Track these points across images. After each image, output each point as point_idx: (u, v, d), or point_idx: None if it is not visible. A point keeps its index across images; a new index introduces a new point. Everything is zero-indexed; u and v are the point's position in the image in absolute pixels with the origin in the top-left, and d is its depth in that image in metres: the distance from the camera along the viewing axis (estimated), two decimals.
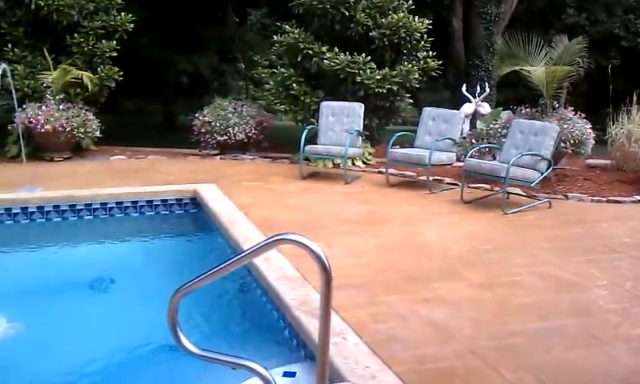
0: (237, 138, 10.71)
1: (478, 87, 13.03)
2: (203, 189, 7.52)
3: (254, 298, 4.73)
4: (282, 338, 3.95)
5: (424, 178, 8.54)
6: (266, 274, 4.47)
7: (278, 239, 2.32)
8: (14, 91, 9.21)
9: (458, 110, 10.13)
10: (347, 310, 3.89)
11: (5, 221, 6.92)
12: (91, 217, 7.21)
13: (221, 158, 10.72)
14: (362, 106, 9.28)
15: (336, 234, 5.91)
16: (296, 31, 10.34)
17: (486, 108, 12.33)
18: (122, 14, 11.29)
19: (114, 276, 5.76)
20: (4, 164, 9.66)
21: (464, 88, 12.96)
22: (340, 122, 9.18)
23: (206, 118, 10.88)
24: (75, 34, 10.89)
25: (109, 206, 7.26)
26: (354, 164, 9.82)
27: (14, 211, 6.98)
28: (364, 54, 10.19)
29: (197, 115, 11.11)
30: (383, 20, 10.36)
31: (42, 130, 9.82)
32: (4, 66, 8.63)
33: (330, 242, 5.47)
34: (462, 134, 9.18)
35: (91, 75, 10.72)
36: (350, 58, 10.11)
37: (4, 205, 6.93)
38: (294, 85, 10.46)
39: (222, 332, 4.33)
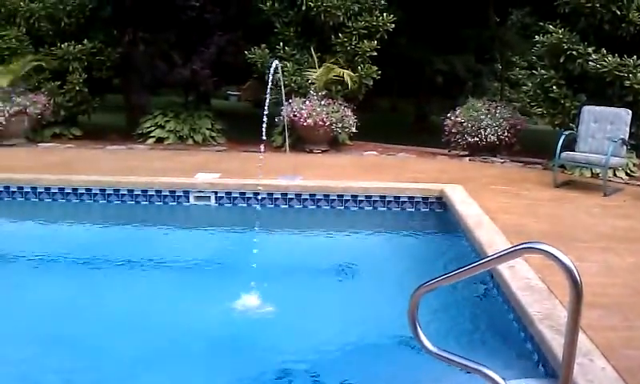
0: (488, 140, 10.50)
1: None
2: (450, 189, 7.50)
3: (495, 305, 4.61)
4: (522, 351, 3.80)
5: None
6: (510, 282, 4.33)
7: (526, 247, 2.24)
8: (282, 86, 10.04)
9: None
10: (596, 331, 3.62)
11: (267, 205, 7.58)
12: (342, 208, 7.59)
13: (470, 160, 10.60)
14: (630, 112, 8.52)
15: (589, 249, 5.52)
16: (560, 31, 9.82)
17: None
18: (384, 14, 11.66)
19: (358, 266, 6.01)
20: (269, 153, 10.55)
21: None
22: (602, 128, 8.52)
23: (458, 119, 10.83)
24: (340, 34, 11.48)
25: (359, 198, 7.59)
26: (615, 175, 9.07)
27: (274, 196, 7.62)
28: (635, 57, 9.34)
29: (449, 115, 11.11)
30: None
31: (305, 124, 10.55)
32: (276, 62, 9.41)
33: (582, 257, 5.12)
34: None
35: (352, 73, 11.24)
36: (618, 59, 9.34)
37: (268, 190, 7.59)
38: (554, 87, 9.95)
39: (458, 334, 4.29)
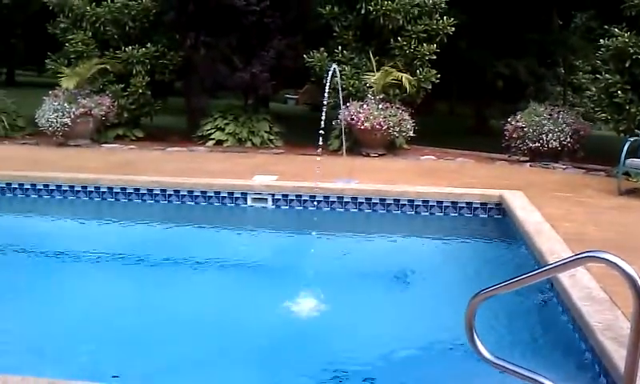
0: (549, 146, 10.28)
1: None
2: (509, 195, 7.37)
3: (554, 314, 4.50)
4: (582, 362, 3.70)
5: None
6: (571, 291, 4.22)
7: (588, 256, 2.18)
8: (340, 90, 10.06)
9: None
10: None
11: (323, 208, 7.60)
12: (399, 212, 7.55)
13: (530, 165, 10.39)
14: None
15: None
16: (626, 35, 9.53)
17: None
18: (445, 17, 11.55)
19: (414, 271, 5.96)
20: (326, 156, 10.58)
21: None
22: None
23: (519, 123, 10.64)
24: (399, 38, 11.44)
25: (415, 203, 7.53)
26: None
27: (331, 200, 7.64)
28: None
29: (509, 120, 10.92)
30: None
31: (362, 127, 10.54)
32: (334, 66, 9.44)
33: None
34: None
35: (410, 77, 11.17)
36: None
37: (324, 193, 7.62)
38: (619, 92, 9.66)
39: (515, 343, 4.21)
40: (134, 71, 11.77)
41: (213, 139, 11.59)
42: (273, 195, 7.77)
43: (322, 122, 6.95)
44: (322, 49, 11.63)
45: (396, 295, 5.51)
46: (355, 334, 4.45)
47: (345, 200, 7.63)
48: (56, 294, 5.27)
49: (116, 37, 11.84)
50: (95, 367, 3.77)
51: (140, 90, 11.78)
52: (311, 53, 11.55)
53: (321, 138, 6.98)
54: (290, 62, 11.91)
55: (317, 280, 5.07)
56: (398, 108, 11.06)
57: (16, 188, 8.08)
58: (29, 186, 8.06)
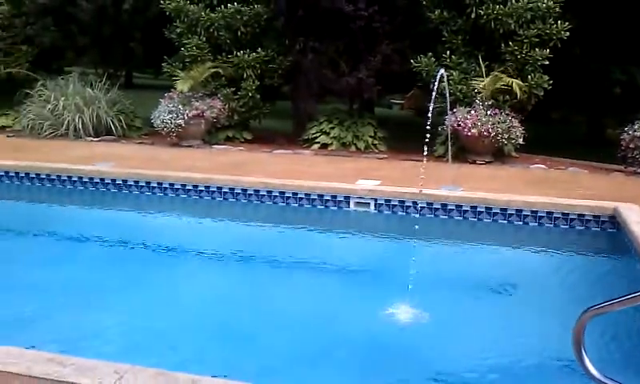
0: None
1: None
2: (625, 208, 6.99)
3: None
4: None
5: None
6: None
7: None
8: (447, 95, 9.93)
9: None
10: None
11: (426, 214, 7.52)
12: (505, 222, 7.35)
13: None
14: None
15: None
16: None
17: None
18: (559, 22, 11.15)
19: (520, 283, 5.79)
20: (431, 162, 10.46)
21: None
22: None
23: (637, 133, 10.08)
24: (510, 42, 11.14)
25: (523, 213, 7.30)
26: None
27: (434, 206, 7.54)
28: None
29: (626, 129, 10.37)
30: None
31: (469, 134, 10.35)
32: (442, 71, 9.32)
33: None
34: None
35: (520, 83, 10.85)
36: None
37: (427, 199, 7.53)
38: None
39: (626, 363, 4.00)
40: (245, 75, 12.10)
41: (318, 143, 11.73)
42: (375, 200, 7.77)
43: (428, 128, 6.88)
44: (429, 53, 11.51)
45: (499, 307, 5.37)
46: (455, 345, 4.38)
47: (449, 207, 7.52)
48: (165, 289, 5.51)
49: (228, 42, 12.22)
50: (200, 361, 3.90)
51: (250, 94, 12.10)
52: (418, 57, 11.46)
53: (426, 144, 6.91)
54: (397, 66, 11.87)
55: (417, 287, 5.02)
56: (507, 114, 10.76)
57: (131, 185, 8.51)
58: (144, 184, 8.47)
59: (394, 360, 4.20)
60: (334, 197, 7.90)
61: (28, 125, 12.02)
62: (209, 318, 4.81)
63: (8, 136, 12.10)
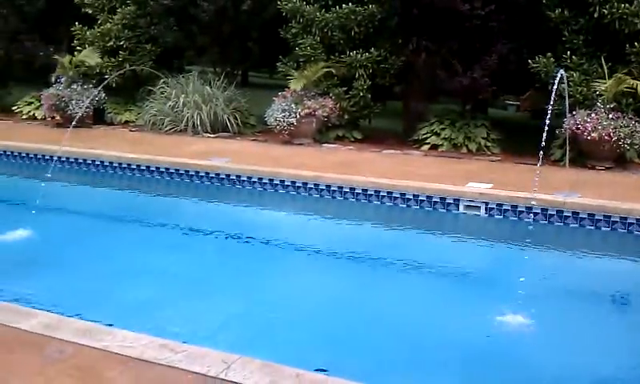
0: None
1: None
2: None
3: None
4: None
5: None
6: None
7: None
8: (566, 97, 9.52)
9: None
10: None
11: (539, 220, 7.27)
12: (625, 231, 6.98)
13: None
14: None
15: None
16: None
17: None
18: None
19: (635, 295, 5.50)
20: (547, 166, 10.06)
21: None
22: None
23: None
24: (635, 43, 10.53)
25: None
26: None
27: (549, 213, 7.28)
28: None
29: None
30: None
31: (588, 138, 9.88)
32: (561, 72, 8.96)
33: None
34: None
35: None
36: None
37: (542, 205, 7.27)
38: None
39: None
40: (357, 75, 12.14)
41: (428, 143, 11.59)
42: (486, 204, 7.59)
43: (545, 131, 6.64)
44: (548, 54, 11.07)
45: (616, 321, 5.11)
46: (563, 359, 4.22)
47: (565, 214, 7.23)
48: (272, 283, 5.65)
49: (342, 42, 12.30)
50: (301, 357, 3.97)
51: (361, 93, 12.13)
52: (537, 57, 11.06)
53: (542, 147, 6.67)
54: (513, 66, 11.51)
55: (527, 296, 4.86)
56: (630, 118, 10.18)
57: (244, 180, 8.78)
58: (256, 180, 8.72)
59: (501, 368, 4.10)
60: (443, 199, 7.79)
61: (150, 120, 12.64)
62: (313, 314, 4.88)
63: (131, 130, 12.78)
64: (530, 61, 11.07)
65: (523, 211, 7.36)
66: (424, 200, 7.87)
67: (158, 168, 9.33)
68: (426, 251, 6.84)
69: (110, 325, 3.73)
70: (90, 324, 3.69)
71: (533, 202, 7.18)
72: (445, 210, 7.77)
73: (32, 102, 14.24)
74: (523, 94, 23.34)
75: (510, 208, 7.47)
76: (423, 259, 6.44)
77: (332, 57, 12.43)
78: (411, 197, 7.93)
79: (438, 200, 7.80)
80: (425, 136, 11.77)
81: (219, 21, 14.46)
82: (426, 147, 11.57)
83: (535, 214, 7.27)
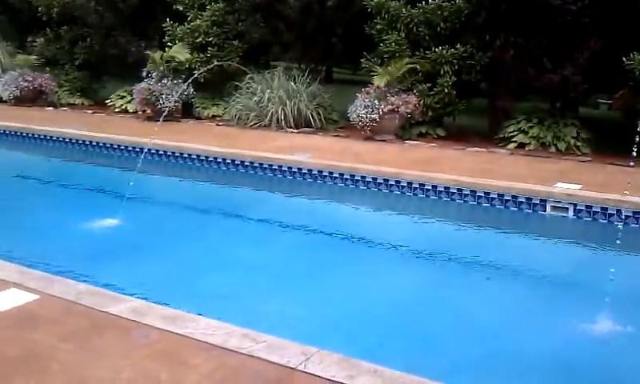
0: None
1: None
2: None
3: None
4: None
5: None
6: None
7: None
8: None
9: None
10: None
11: (631, 223, 6.98)
12: None
13: None
14: None
15: None
16: None
17: None
18: None
19: None
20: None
21: None
22: None
23: None
24: None
25: None
26: None
27: None
28: None
29: None
30: None
31: None
32: None
33: None
34: None
35: None
36: None
37: (634, 208, 6.97)
38: None
39: None
40: (442, 71, 11.98)
41: (514, 142, 11.31)
42: (575, 205, 7.35)
43: (638, 131, 6.34)
44: None
45: None
46: None
47: None
48: (351, 278, 5.67)
49: (427, 37, 12.16)
50: (381, 352, 3.97)
51: (446, 90, 11.96)
52: (631, 55, 10.59)
53: (636, 147, 6.38)
54: (607, 64, 11.06)
55: (617, 302, 4.68)
56: None
57: (326, 176, 8.83)
58: (337, 175, 8.76)
59: (589, 375, 3.97)
60: (529, 199, 7.58)
61: (236, 115, 12.90)
62: (392, 311, 4.87)
63: (217, 125, 13.09)
64: (624, 58, 10.62)
65: (614, 214, 7.08)
66: (509, 200, 7.69)
67: (242, 162, 9.52)
68: (511, 253, 6.69)
69: (195, 313, 3.84)
70: (176, 311, 3.81)
71: (624, 205, 6.88)
72: (530, 211, 7.57)
73: (124, 96, 14.81)
74: (616, 93, 22.43)
75: (599, 210, 7.20)
76: (507, 261, 6.30)
77: (417, 53, 12.31)
78: (495, 196, 7.77)
79: (524, 200, 7.61)
80: (511, 134, 11.49)
81: (304, 17, 14.59)
82: (512, 146, 11.29)
83: (626, 217, 6.97)
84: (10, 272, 4.33)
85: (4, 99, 15.15)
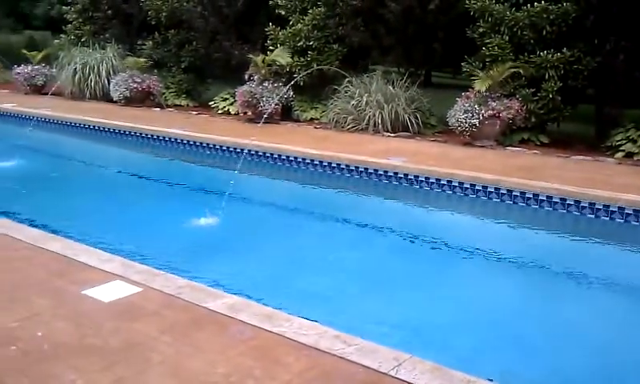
0: None
1: None
2: None
3: None
4: None
5: None
6: None
7: None
8: None
9: None
10: None
11: None
12: None
13: None
14: None
15: None
16: None
17: None
18: None
19: None
20: None
21: None
22: None
23: None
24: None
25: None
26: None
27: None
28: None
29: None
30: None
31: None
32: None
33: None
34: None
35: None
36: None
37: None
38: None
39: None
40: (547, 76, 11.60)
41: (622, 151, 10.78)
42: None
43: None
44: None
45: None
46: None
47: None
48: (445, 285, 5.60)
49: (532, 41, 11.80)
50: (474, 362, 3.90)
51: (550, 95, 11.57)
52: None
53: None
54: None
55: None
56: None
57: (422, 181, 8.75)
58: (433, 181, 8.65)
59: None
60: (637, 211, 7.22)
61: (333, 118, 12.99)
62: (488, 320, 4.77)
63: (315, 127, 13.23)
64: None
65: None
66: (615, 211, 7.35)
67: (339, 165, 9.58)
68: (616, 266, 6.39)
69: (288, 312, 3.91)
70: (271, 309, 3.89)
71: None
72: (638, 224, 7.20)
73: (227, 98, 15.23)
74: None
75: None
76: (615, 276, 6.03)
77: (520, 57, 11.98)
78: (601, 207, 7.44)
79: (632, 212, 7.24)
80: (619, 142, 10.97)
81: (405, 21, 14.51)
82: (619, 154, 10.78)
83: None
84: (115, 265, 4.56)
85: (114, 100, 15.92)
